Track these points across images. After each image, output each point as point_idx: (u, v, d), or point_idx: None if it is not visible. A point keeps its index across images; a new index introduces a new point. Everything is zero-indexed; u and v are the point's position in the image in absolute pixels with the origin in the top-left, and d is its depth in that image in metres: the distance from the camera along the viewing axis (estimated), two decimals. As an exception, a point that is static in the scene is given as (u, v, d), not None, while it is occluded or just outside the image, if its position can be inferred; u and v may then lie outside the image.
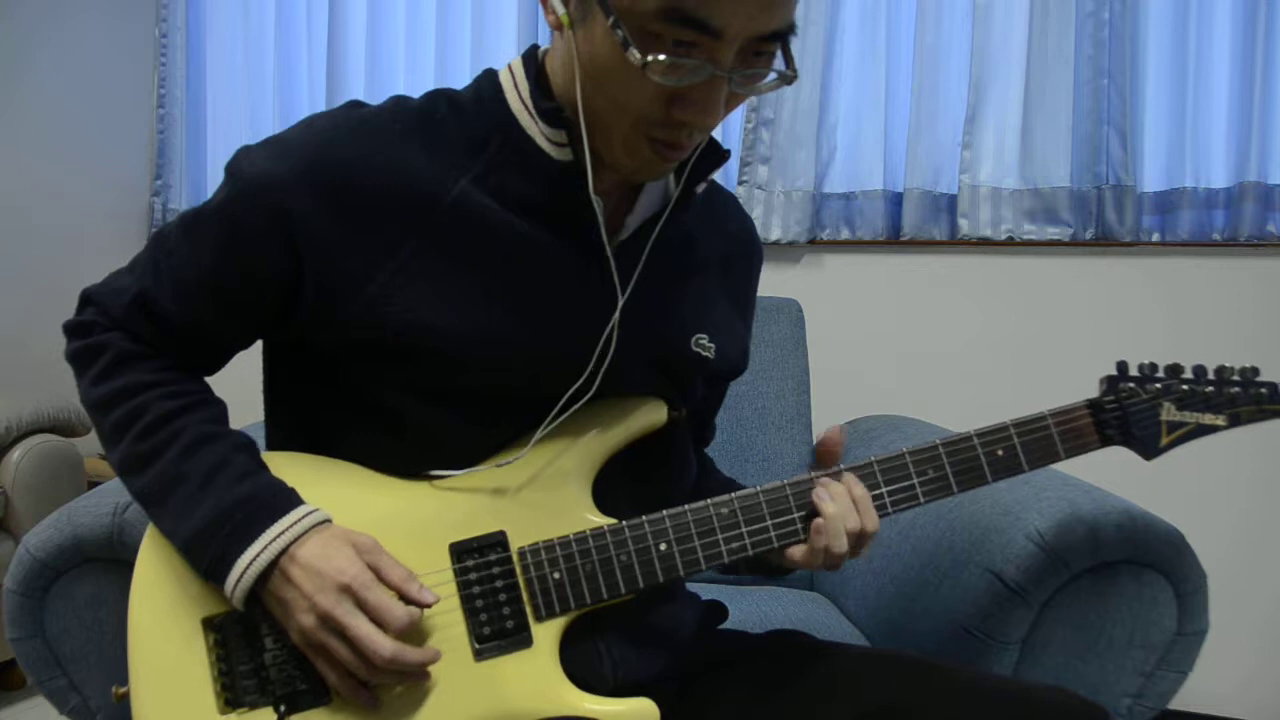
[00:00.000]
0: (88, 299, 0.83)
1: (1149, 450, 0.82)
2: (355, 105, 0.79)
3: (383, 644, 0.67)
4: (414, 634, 0.72)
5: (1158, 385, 0.81)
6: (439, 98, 0.79)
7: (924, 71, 1.94)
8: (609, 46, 0.66)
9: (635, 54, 0.64)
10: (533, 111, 0.76)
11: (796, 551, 0.78)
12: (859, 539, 0.76)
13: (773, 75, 0.69)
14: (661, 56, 0.64)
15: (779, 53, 0.69)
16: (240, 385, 0.97)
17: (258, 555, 0.70)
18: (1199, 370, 0.82)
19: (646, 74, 0.65)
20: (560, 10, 0.69)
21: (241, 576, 0.70)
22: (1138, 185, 1.85)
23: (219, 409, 0.80)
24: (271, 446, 0.87)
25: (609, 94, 0.69)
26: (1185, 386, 0.81)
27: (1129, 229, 1.84)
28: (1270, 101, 1.78)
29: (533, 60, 0.78)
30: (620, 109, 0.69)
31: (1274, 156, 1.79)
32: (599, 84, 0.69)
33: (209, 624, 0.74)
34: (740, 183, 2.03)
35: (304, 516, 0.72)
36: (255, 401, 0.89)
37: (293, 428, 0.85)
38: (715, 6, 0.63)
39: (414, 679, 0.71)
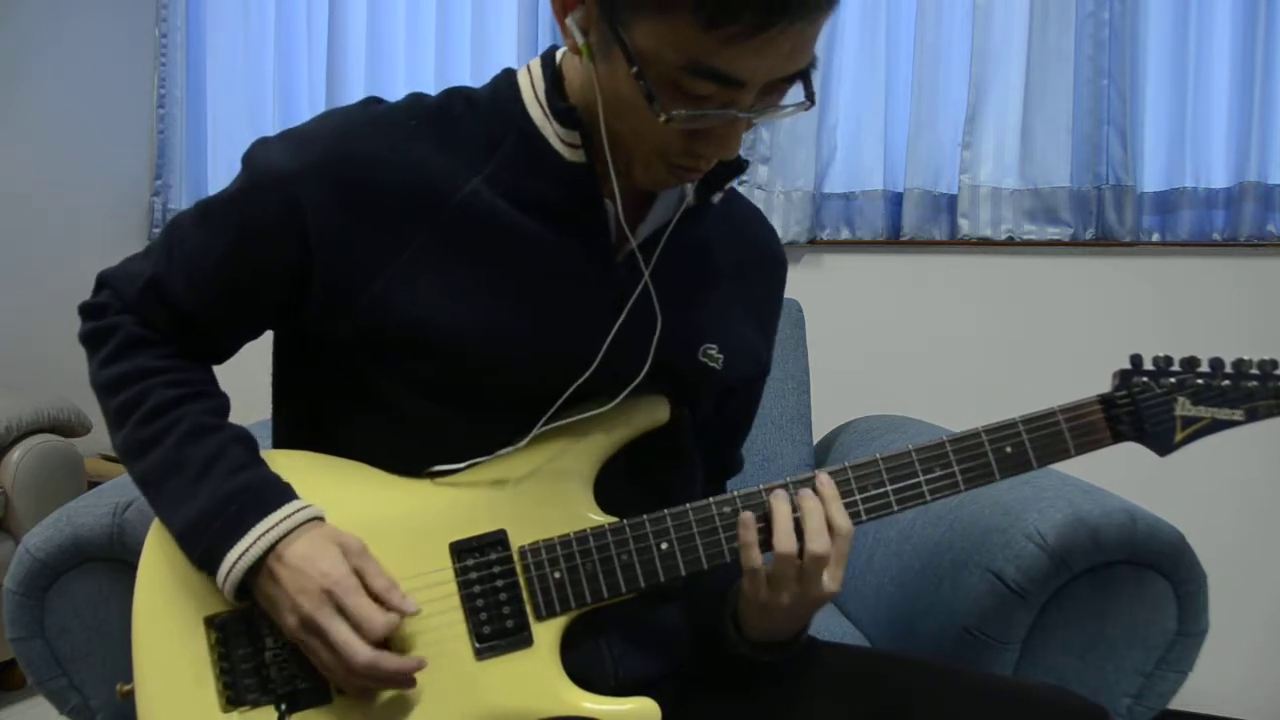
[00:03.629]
0: (103, 282, 0.83)
1: (1163, 446, 0.80)
2: (372, 101, 0.79)
3: (359, 650, 0.67)
4: (413, 632, 0.73)
5: (1172, 379, 0.79)
6: (456, 96, 0.79)
7: (924, 71, 1.94)
8: (630, 89, 0.66)
9: (658, 110, 0.64)
10: (548, 111, 0.76)
11: (752, 593, 0.75)
12: (805, 562, 0.72)
13: (790, 106, 0.69)
14: (683, 111, 0.65)
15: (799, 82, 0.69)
16: (247, 383, 0.97)
17: (247, 549, 0.70)
18: (1215, 363, 0.79)
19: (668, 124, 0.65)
20: (580, 40, 0.69)
21: (231, 570, 0.70)
22: (1138, 185, 1.85)
23: (221, 401, 0.81)
24: (278, 438, 0.88)
25: (630, 126, 0.70)
26: (1200, 380, 0.79)
27: (1129, 229, 1.84)
28: (1270, 101, 1.78)
29: (550, 62, 0.78)
30: (641, 139, 0.70)
31: (1274, 156, 1.79)
32: (620, 116, 0.70)
33: (211, 622, 0.74)
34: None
35: (295, 512, 0.72)
36: (261, 400, 0.89)
37: (299, 419, 0.85)
38: (741, 62, 0.63)
39: (395, 685, 0.71)
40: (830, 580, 0.73)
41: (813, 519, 0.73)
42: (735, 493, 0.77)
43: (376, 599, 0.70)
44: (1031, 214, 1.91)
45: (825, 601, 0.75)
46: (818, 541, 0.72)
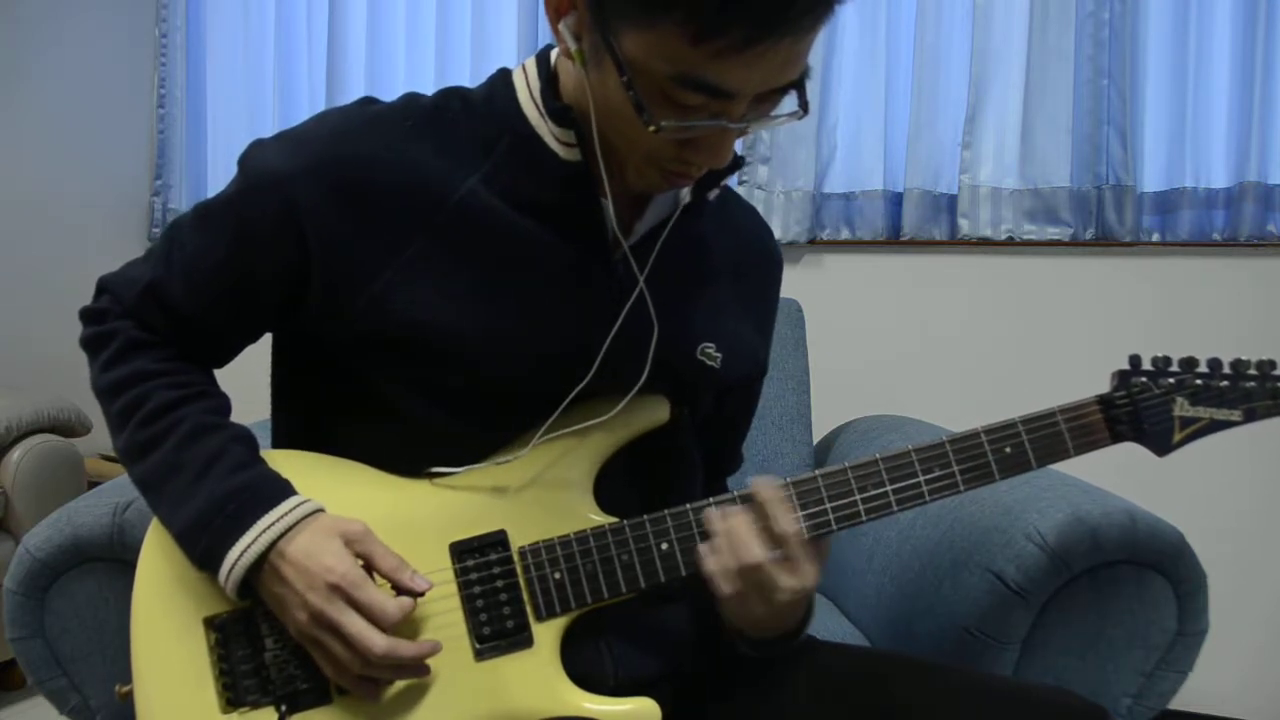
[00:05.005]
0: (103, 287, 0.84)
1: (1161, 447, 0.80)
2: (368, 101, 0.79)
3: (376, 640, 0.67)
4: (414, 633, 0.73)
5: (1171, 380, 0.79)
6: (452, 96, 0.79)
7: (924, 71, 1.94)
8: (621, 97, 0.65)
9: (647, 120, 0.64)
10: (543, 111, 0.76)
11: (726, 611, 0.75)
12: (746, 573, 0.72)
13: (783, 115, 0.69)
14: (672, 122, 0.64)
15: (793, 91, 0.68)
16: (247, 383, 0.97)
17: (248, 547, 0.70)
18: (1214, 364, 0.79)
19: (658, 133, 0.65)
20: (572, 46, 0.68)
21: (233, 568, 0.70)
22: (1138, 185, 1.85)
23: (221, 401, 0.81)
24: (277, 439, 0.88)
25: (621, 133, 0.70)
26: (1199, 381, 0.79)
27: (1129, 229, 1.84)
28: (1270, 101, 1.78)
29: (546, 61, 0.78)
30: (632, 145, 0.70)
31: (1274, 156, 1.79)
32: (612, 122, 0.69)
33: (210, 623, 0.74)
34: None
35: (294, 508, 0.72)
36: (261, 400, 0.89)
37: (298, 420, 0.85)
38: (730, 75, 0.62)
39: (412, 673, 0.71)
40: (794, 580, 0.72)
41: (737, 533, 0.72)
42: (735, 493, 0.77)
43: (387, 579, 0.70)
44: (1031, 214, 1.91)
45: (804, 597, 0.75)
46: (745, 552, 0.71)
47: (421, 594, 0.71)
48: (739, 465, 1.02)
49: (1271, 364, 0.79)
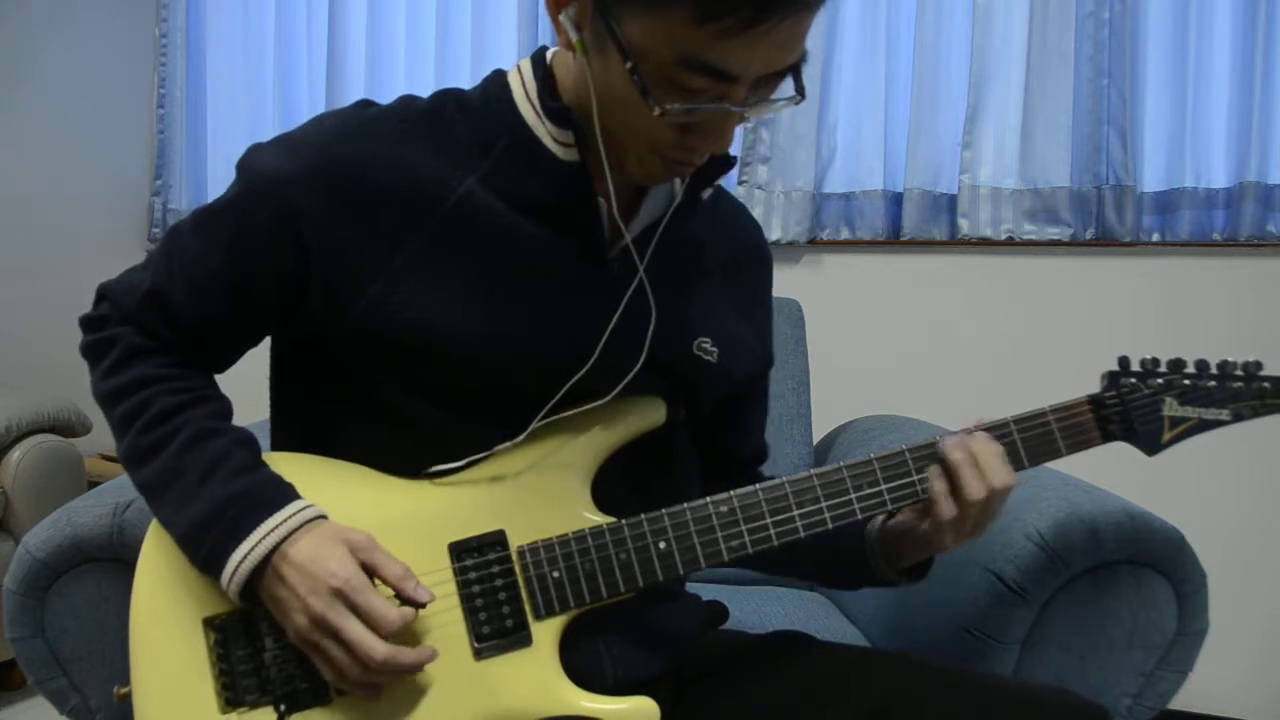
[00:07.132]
0: (103, 294, 0.84)
1: (1151, 446, 0.81)
2: (365, 105, 0.80)
3: (376, 647, 0.67)
4: (413, 633, 0.73)
5: (1160, 380, 0.81)
6: (447, 98, 0.80)
7: (924, 71, 1.94)
8: (624, 84, 0.67)
9: (653, 104, 0.66)
10: (540, 112, 0.76)
11: (934, 538, 0.79)
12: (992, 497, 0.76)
13: (782, 99, 0.70)
14: (677, 105, 0.66)
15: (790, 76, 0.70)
16: (247, 384, 0.97)
17: (251, 550, 0.70)
18: (1201, 365, 0.81)
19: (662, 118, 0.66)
20: (574, 36, 0.69)
21: (235, 571, 0.70)
22: (1138, 185, 1.85)
23: (223, 405, 0.81)
24: (276, 442, 0.87)
25: (624, 120, 0.70)
26: (1187, 381, 0.80)
27: (1129, 229, 1.84)
28: (1270, 101, 1.78)
29: (541, 62, 0.79)
30: (634, 133, 0.71)
31: (1274, 156, 1.79)
32: (614, 111, 0.70)
33: (210, 623, 0.74)
34: (740, 182, 2.03)
35: (297, 512, 0.72)
36: (261, 400, 0.89)
37: (298, 423, 0.85)
38: (734, 56, 0.64)
39: (408, 675, 0.71)
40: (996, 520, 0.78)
41: (992, 459, 0.76)
42: (732, 493, 0.77)
43: (391, 587, 0.70)
44: (1031, 214, 1.91)
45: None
46: (997, 477, 0.76)
47: (423, 605, 0.71)
48: (767, 455, 1.02)
49: (1258, 365, 0.80)
